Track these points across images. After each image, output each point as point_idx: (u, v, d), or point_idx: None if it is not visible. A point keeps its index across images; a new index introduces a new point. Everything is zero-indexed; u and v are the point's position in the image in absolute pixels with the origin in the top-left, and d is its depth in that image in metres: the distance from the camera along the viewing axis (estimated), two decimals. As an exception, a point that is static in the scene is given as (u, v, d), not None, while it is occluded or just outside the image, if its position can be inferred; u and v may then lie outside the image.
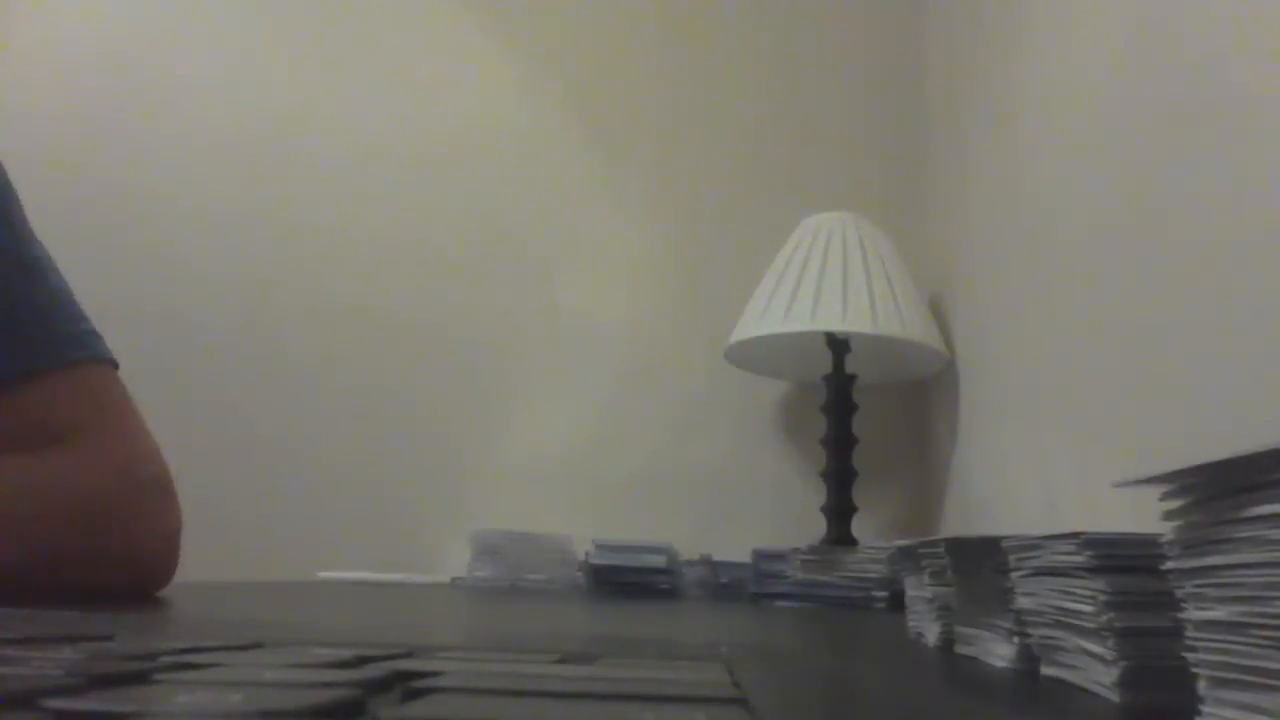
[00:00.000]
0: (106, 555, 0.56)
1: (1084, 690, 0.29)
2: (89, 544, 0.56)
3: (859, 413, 1.27)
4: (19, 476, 0.54)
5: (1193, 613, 0.23)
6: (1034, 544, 0.33)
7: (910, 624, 0.50)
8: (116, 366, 0.63)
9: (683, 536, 1.11)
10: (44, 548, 0.53)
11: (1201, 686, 0.22)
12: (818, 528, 1.24)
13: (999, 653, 0.36)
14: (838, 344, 1.26)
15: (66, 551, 0.54)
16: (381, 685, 0.20)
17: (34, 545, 0.52)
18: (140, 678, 0.20)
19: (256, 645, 0.27)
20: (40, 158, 1.37)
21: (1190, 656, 0.23)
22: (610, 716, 0.18)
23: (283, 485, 1.43)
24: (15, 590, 0.44)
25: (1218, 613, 0.22)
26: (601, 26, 1.60)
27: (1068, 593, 0.30)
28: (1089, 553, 0.29)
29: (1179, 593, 0.24)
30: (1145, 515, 0.26)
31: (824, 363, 1.27)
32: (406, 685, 0.20)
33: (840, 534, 1.22)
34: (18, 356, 0.58)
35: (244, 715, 0.16)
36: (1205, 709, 0.22)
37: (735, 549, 1.06)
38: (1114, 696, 0.27)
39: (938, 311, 1.34)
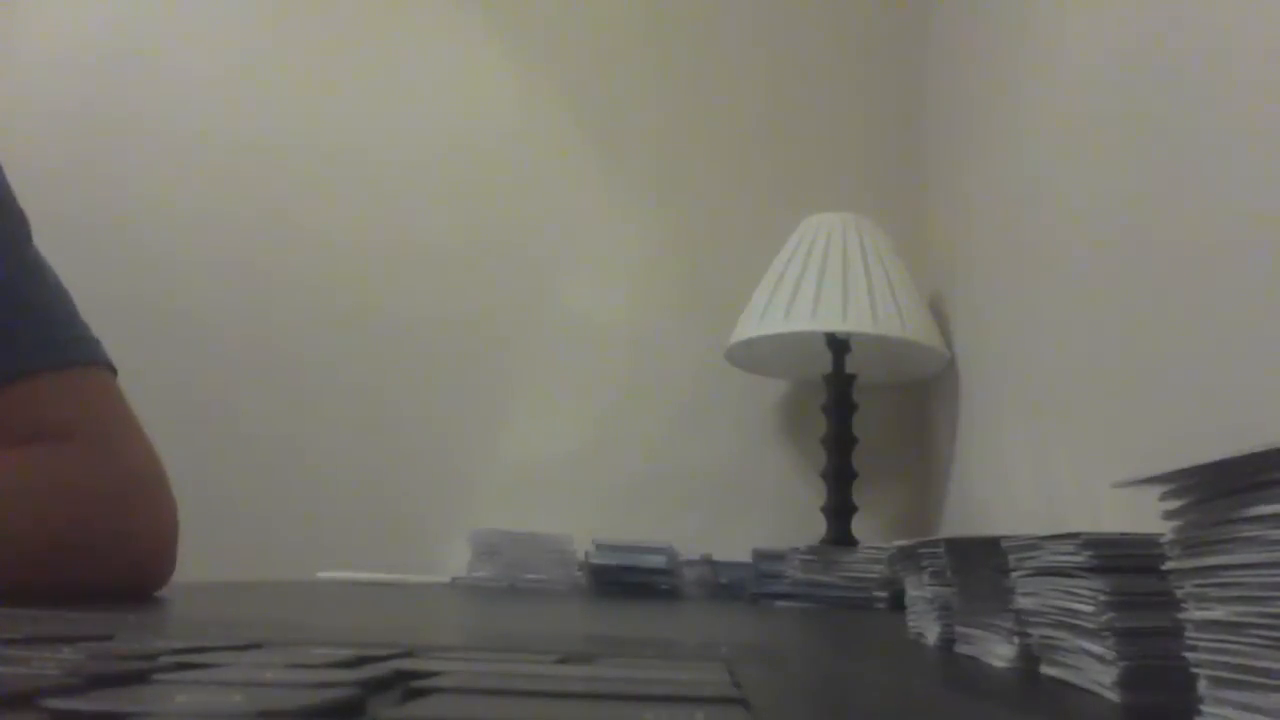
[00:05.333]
0: (102, 555, 0.56)
1: (1084, 690, 0.29)
2: (84, 544, 0.55)
3: (859, 413, 1.27)
4: (13, 476, 0.54)
5: (1193, 613, 0.23)
6: (1034, 544, 0.33)
7: (910, 624, 0.50)
8: (114, 371, 0.63)
9: (683, 536, 1.11)
10: (39, 548, 0.52)
11: (1201, 686, 0.22)
12: (818, 528, 1.24)
13: (999, 653, 0.36)
14: (838, 344, 1.26)
15: (61, 551, 0.54)
16: (381, 685, 0.20)
17: (28, 545, 0.52)
18: (140, 678, 0.20)
19: (256, 645, 0.27)
20: (40, 158, 1.37)
21: (1190, 656, 0.23)
22: (610, 716, 0.18)
23: (283, 485, 1.43)
24: (12, 590, 0.44)
25: (1218, 613, 0.22)
26: (601, 26, 1.60)
27: (1068, 593, 0.30)
28: (1089, 553, 0.29)
29: (1179, 593, 0.24)
30: (1145, 515, 0.26)
31: (824, 363, 1.27)
32: (406, 685, 0.20)
33: (840, 534, 1.22)
34: (14, 358, 0.58)
35: (244, 715, 0.16)
36: (1205, 709, 0.22)
37: (735, 549, 1.06)
38: (1114, 696, 0.27)
39: (938, 311, 1.34)
